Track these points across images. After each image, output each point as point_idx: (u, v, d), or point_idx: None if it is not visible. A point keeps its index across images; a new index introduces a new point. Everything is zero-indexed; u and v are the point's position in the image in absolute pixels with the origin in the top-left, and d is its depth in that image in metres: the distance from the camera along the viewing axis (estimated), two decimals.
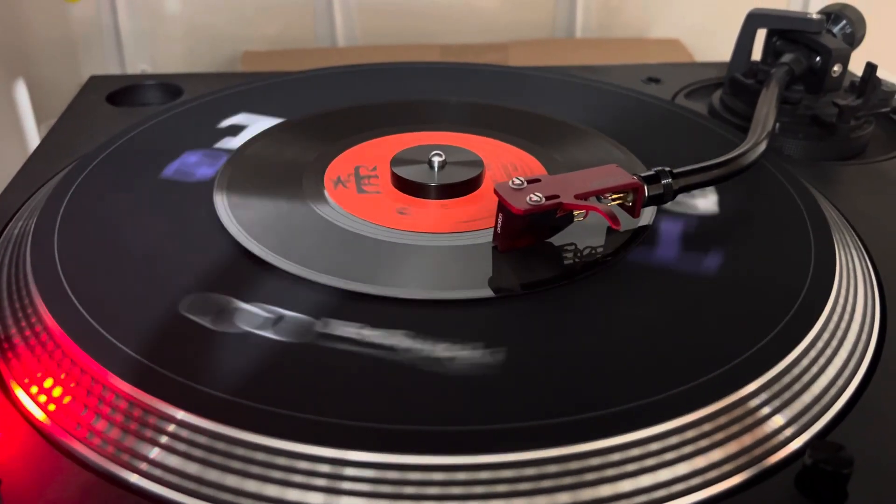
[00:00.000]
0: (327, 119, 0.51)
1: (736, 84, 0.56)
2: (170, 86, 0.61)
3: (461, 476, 0.27)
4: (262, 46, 0.87)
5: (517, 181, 0.36)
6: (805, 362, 0.32)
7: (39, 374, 0.31)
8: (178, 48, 0.87)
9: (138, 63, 0.86)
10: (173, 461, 0.28)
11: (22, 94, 0.81)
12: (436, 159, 0.43)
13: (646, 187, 0.38)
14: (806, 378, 0.32)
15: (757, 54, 0.57)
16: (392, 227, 0.39)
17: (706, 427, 0.29)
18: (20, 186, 0.46)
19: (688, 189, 0.39)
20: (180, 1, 0.85)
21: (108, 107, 0.58)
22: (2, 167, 0.74)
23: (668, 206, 0.40)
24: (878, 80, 0.52)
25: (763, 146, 0.43)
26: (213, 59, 0.87)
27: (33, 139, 0.83)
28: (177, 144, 0.47)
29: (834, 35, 0.55)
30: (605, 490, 0.27)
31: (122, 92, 0.60)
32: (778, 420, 0.30)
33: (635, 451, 0.28)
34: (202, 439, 0.28)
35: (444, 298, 0.34)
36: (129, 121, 0.52)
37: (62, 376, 0.31)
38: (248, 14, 0.86)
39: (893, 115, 0.57)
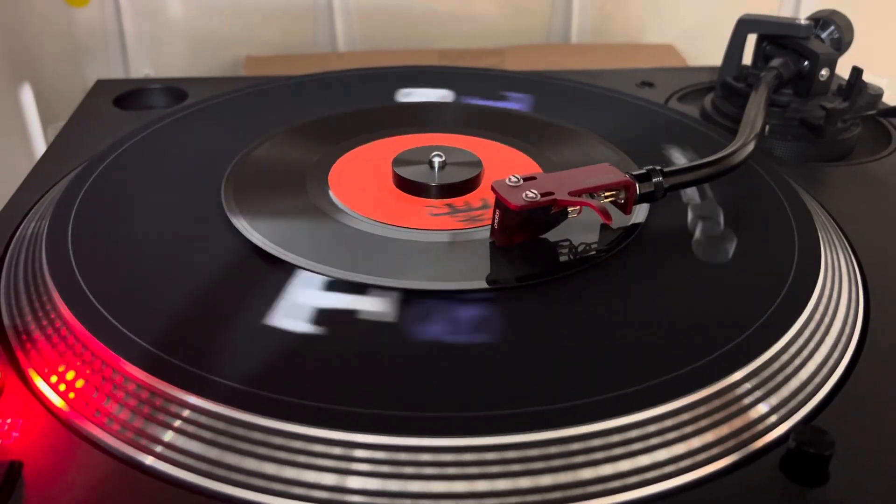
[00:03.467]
0: (329, 122, 0.52)
1: (727, 88, 0.58)
2: (175, 90, 0.62)
3: (467, 457, 0.28)
4: (265, 51, 0.88)
5: (514, 178, 0.38)
6: (790, 352, 0.34)
7: (58, 365, 0.33)
8: (182, 53, 0.88)
9: (142, 68, 0.87)
10: (186, 444, 0.29)
11: (28, 97, 0.82)
12: (436, 160, 0.44)
13: (637, 185, 0.39)
14: (791, 367, 0.33)
15: (748, 59, 0.58)
16: (395, 224, 0.41)
17: (695, 412, 0.30)
18: (32, 187, 0.48)
19: (678, 187, 0.41)
20: (184, 6, 0.86)
21: (115, 110, 0.59)
22: (9, 169, 0.75)
23: (660, 203, 0.42)
24: (864, 83, 0.53)
25: (751, 146, 0.45)
26: (216, 63, 0.89)
27: (39, 142, 0.84)
28: (183, 146, 0.49)
29: (822, 40, 0.56)
30: (596, 471, 0.29)
31: (128, 95, 0.61)
32: (764, 407, 0.32)
33: (627, 434, 0.29)
34: (213, 423, 0.29)
35: (444, 289, 0.36)
36: (135, 123, 0.53)
37: (80, 365, 0.32)
38: (250, 20, 0.87)
39: (880, 118, 0.58)
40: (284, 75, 0.61)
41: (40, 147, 0.83)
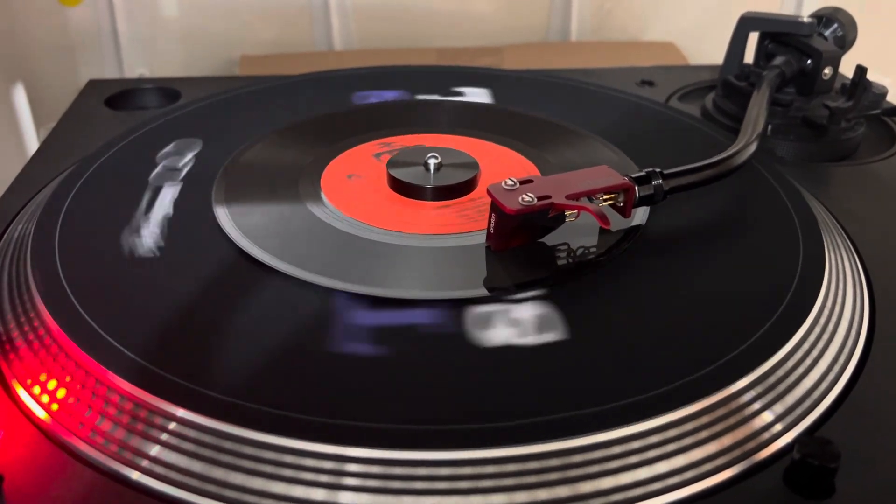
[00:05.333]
0: (324, 122, 0.51)
1: (728, 86, 0.57)
2: (168, 90, 0.61)
3: (444, 472, 0.27)
4: (260, 50, 0.87)
5: (510, 182, 0.37)
6: (794, 360, 0.33)
7: (41, 375, 0.32)
8: (176, 52, 0.87)
9: (136, 67, 0.86)
10: (173, 458, 0.28)
11: (20, 97, 0.81)
12: (432, 161, 0.43)
13: (636, 188, 0.39)
14: (795, 375, 0.33)
15: (749, 57, 0.58)
16: (388, 229, 0.40)
17: (697, 422, 0.30)
18: (20, 189, 0.47)
19: (678, 190, 0.40)
20: (178, 5, 0.85)
21: (107, 110, 0.58)
22: (1, 170, 0.74)
23: (660, 206, 0.41)
24: (869, 82, 0.53)
25: (753, 147, 0.44)
26: (211, 63, 0.88)
27: (32, 143, 0.83)
28: (175, 148, 0.48)
29: (825, 38, 0.56)
30: (598, 484, 0.28)
31: (120, 96, 0.60)
32: (767, 416, 0.31)
33: (628, 446, 0.28)
34: (201, 436, 0.28)
35: (439, 298, 0.35)
36: (127, 124, 0.52)
37: (64, 376, 0.31)
38: (245, 18, 0.87)
39: (884, 117, 0.57)
40: (279, 75, 0.60)
41: (33, 148, 0.82)
